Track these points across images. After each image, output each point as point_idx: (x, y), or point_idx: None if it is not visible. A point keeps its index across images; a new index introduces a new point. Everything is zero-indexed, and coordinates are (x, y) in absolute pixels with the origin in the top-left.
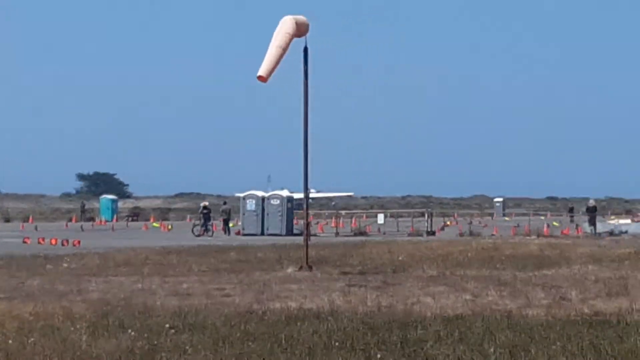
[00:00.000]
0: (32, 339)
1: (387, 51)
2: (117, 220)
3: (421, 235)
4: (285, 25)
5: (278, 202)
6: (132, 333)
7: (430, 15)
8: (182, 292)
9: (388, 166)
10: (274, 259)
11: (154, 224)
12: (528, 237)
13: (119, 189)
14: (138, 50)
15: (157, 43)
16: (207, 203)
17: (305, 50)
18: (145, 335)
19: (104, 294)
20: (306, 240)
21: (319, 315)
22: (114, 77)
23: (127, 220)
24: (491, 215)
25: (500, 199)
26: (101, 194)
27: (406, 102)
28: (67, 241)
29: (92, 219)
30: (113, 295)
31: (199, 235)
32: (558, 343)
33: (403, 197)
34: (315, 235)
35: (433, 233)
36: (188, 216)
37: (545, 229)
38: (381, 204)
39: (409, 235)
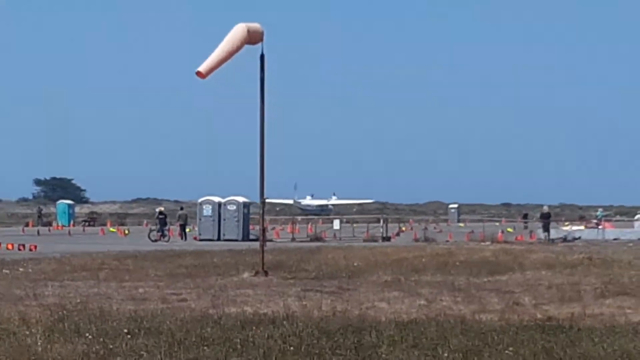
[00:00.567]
0: None
1: (343, 57)
2: (74, 225)
3: (376, 240)
4: (237, 31)
5: (234, 207)
6: (88, 337)
7: (388, 20)
8: (139, 296)
9: (343, 172)
10: (230, 264)
11: (111, 229)
12: (482, 243)
13: (76, 194)
14: (95, 54)
15: (114, 47)
16: (162, 208)
17: (262, 57)
18: (101, 339)
19: (60, 298)
20: (262, 246)
21: (274, 320)
22: (72, 81)
23: (84, 225)
24: (446, 221)
25: (455, 205)
26: (58, 199)
27: (362, 109)
28: (24, 246)
29: (49, 224)
30: (69, 300)
31: (155, 241)
32: (511, 348)
33: (359, 204)
34: (271, 240)
35: (388, 239)
36: (145, 221)
37: (499, 235)
38: (337, 210)
39: (365, 240)
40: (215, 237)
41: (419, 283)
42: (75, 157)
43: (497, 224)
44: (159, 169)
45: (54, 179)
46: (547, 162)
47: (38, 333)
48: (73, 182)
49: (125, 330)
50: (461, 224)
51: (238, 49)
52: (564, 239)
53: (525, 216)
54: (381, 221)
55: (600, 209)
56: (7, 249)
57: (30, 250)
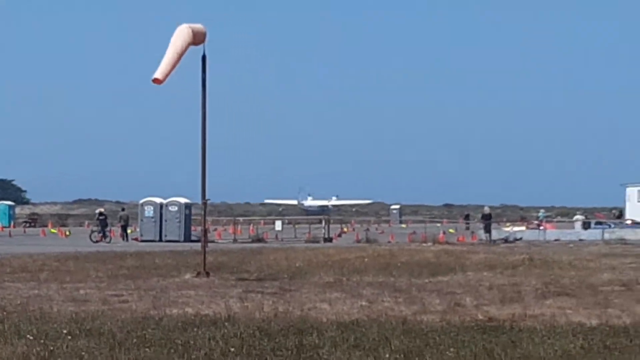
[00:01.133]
0: None
1: (283, 56)
2: (14, 227)
3: (318, 241)
4: (182, 32)
5: (176, 208)
6: (29, 339)
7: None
8: (79, 298)
9: (286, 173)
10: (172, 265)
11: (52, 230)
12: (424, 244)
13: (17, 195)
14: (35, 53)
15: (54, 49)
16: (102, 209)
17: (204, 58)
18: (42, 341)
19: (0, 300)
20: (204, 247)
21: (215, 321)
22: (12, 81)
23: (25, 226)
24: (388, 222)
25: (397, 206)
26: None
27: (305, 109)
28: None
29: None
30: (9, 301)
31: (97, 242)
32: (452, 349)
33: (357, 204)
34: (213, 241)
35: (330, 240)
36: (86, 222)
37: (441, 235)
38: (279, 211)
39: (307, 241)
40: (157, 238)
41: (360, 284)
42: (16, 158)
43: (439, 224)
44: (100, 169)
45: None
46: (489, 163)
47: None
48: (14, 183)
49: (66, 332)
50: (403, 225)
51: (185, 49)
52: (506, 240)
53: (466, 217)
54: (323, 222)
55: (541, 210)
56: None
57: None
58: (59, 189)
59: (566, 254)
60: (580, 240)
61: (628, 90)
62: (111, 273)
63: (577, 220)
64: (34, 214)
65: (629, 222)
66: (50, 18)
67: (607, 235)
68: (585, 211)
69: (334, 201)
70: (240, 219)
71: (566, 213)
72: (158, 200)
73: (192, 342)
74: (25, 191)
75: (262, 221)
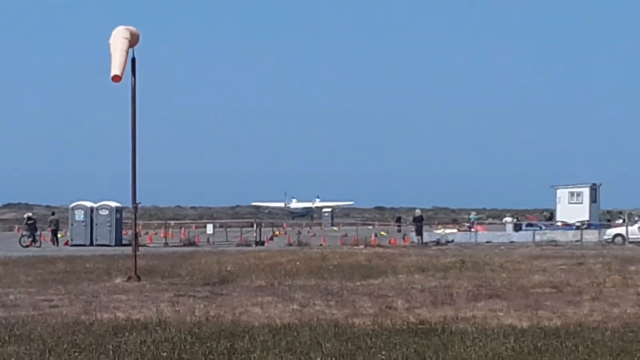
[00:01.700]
0: None
1: (217, 60)
2: None
3: (250, 245)
4: (121, 33)
5: (107, 212)
6: None
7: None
8: (9, 303)
9: (217, 176)
10: (103, 269)
11: None
12: (356, 247)
13: None
14: None
15: None
16: (31, 214)
17: (133, 61)
18: None
19: None
20: (135, 251)
21: (147, 325)
22: None
23: None
24: (320, 225)
25: (329, 209)
26: None
27: (234, 112)
28: None
29: None
30: None
31: (27, 246)
32: (384, 352)
33: (232, 208)
34: (144, 245)
35: (262, 243)
36: (16, 226)
37: (373, 238)
38: (210, 214)
39: (238, 245)
40: (88, 243)
41: (292, 287)
42: None
43: (371, 227)
44: (29, 173)
45: None
46: (420, 165)
47: None
48: None
49: None
50: (335, 228)
51: (128, 49)
52: (437, 242)
53: (398, 220)
54: (255, 225)
55: (473, 212)
56: None
57: None
58: None
59: (497, 256)
60: (512, 242)
61: (557, 92)
62: (41, 278)
63: (506, 222)
64: None
65: (559, 224)
66: None
67: (538, 237)
68: (517, 213)
69: (317, 203)
70: (172, 222)
71: (497, 215)
72: (88, 204)
73: (123, 347)
74: None
75: (193, 225)
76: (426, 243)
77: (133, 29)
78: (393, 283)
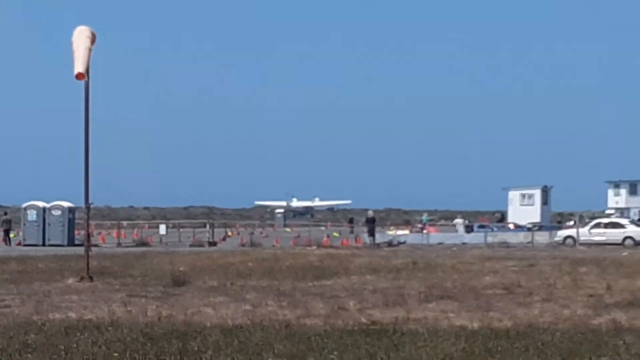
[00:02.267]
0: None
1: (174, 59)
2: None
3: (203, 245)
4: (84, 32)
5: (60, 212)
6: None
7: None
8: None
9: (170, 177)
10: (55, 269)
11: None
12: (308, 248)
13: None
14: None
15: None
16: None
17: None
18: None
19: None
20: (87, 251)
21: (99, 326)
22: None
23: None
24: (272, 226)
25: (282, 210)
26: None
27: (187, 113)
28: None
29: None
30: None
31: None
32: (335, 352)
33: (185, 208)
34: (97, 245)
35: (215, 244)
36: None
37: (325, 239)
38: (163, 215)
39: (191, 245)
40: (40, 243)
41: (244, 288)
42: None
43: (323, 228)
44: None
45: None
46: (373, 166)
47: None
48: None
49: None
50: (287, 229)
51: (91, 46)
52: (389, 244)
53: (350, 221)
54: (207, 226)
55: (425, 214)
56: None
57: None
58: None
59: (449, 258)
60: (463, 243)
61: (509, 95)
62: None
63: (457, 223)
64: None
65: (511, 225)
66: None
67: (489, 239)
68: (468, 215)
69: (317, 202)
70: (125, 222)
71: (450, 217)
72: (41, 204)
73: (74, 347)
74: None
75: (146, 225)
76: (378, 244)
77: (90, 29)
78: (345, 284)
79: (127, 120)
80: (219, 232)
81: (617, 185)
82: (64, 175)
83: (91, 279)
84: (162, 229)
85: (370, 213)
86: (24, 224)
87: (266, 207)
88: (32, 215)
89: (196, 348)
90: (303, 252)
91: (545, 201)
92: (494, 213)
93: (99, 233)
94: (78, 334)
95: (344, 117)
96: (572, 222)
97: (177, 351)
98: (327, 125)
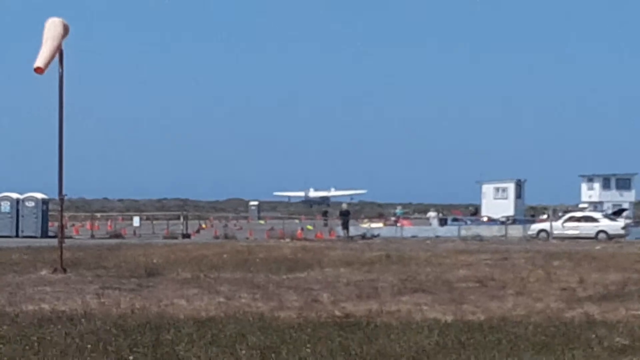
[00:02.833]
0: None
1: (147, 53)
2: None
3: (176, 238)
4: (55, 24)
5: (33, 204)
6: None
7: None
8: None
9: (144, 169)
10: (28, 261)
11: None
12: (282, 240)
13: None
14: None
15: None
16: None
17: (61, 53)
18: None
19: None
20: (61, 243)
21: (72, 317)
22: None
23: None
24: (246, 218)
25: (256, 203)
26: None
27: (161, 105)
28: None
29: None
30: None
31: None
32: (309, 345)
33: (159, 200)
34: (70, 237)
35: (188, 236)
36: None
37: (299, 232)
38: (137, 207)
39: (165, 238)
40: (14, 234)
41: (218, 280)
42: None
43: (297, 221)
44: None
45: None
46: (347, 160)
47: None
48: None
49: None
50: (261, 221)
51: (61, 41)
52: (363, 237)
53: (324, 214)
54: (181, 218)
55: (399, 207)
56: None
57: None
58: None
59: (423, 251)
60: (437, 236)
61: (482, 88)
62: None
63: (430, 216)
64: None
65: (484, 219)
66: None
67: (463, 232)
68: (442, 208)
69: (332, 192)
70: (98, 214)
71: (423, 210)
72: (14, 195)
73: (47, 339)
74: None
75: (120, 217)
76: (352, 237)
77: (64, 20)
78: (319, 276)
79: (101, 111)
80: (192, 224)
81: (590, 179)
82: (38, 167)
83: (65, 270)
84: (136, 221)
85: (344, 206)
86: None
87: (286, 197)
88: (5, 206)
89: (170, 340)
90: (277, 245)
91: (519, 195)
92: (467, 206)
93: (73, 225)
94: (51, 326)
95: (313, 111)
96: (545, 216)
97: (150, 343)
98: (305, 116)
